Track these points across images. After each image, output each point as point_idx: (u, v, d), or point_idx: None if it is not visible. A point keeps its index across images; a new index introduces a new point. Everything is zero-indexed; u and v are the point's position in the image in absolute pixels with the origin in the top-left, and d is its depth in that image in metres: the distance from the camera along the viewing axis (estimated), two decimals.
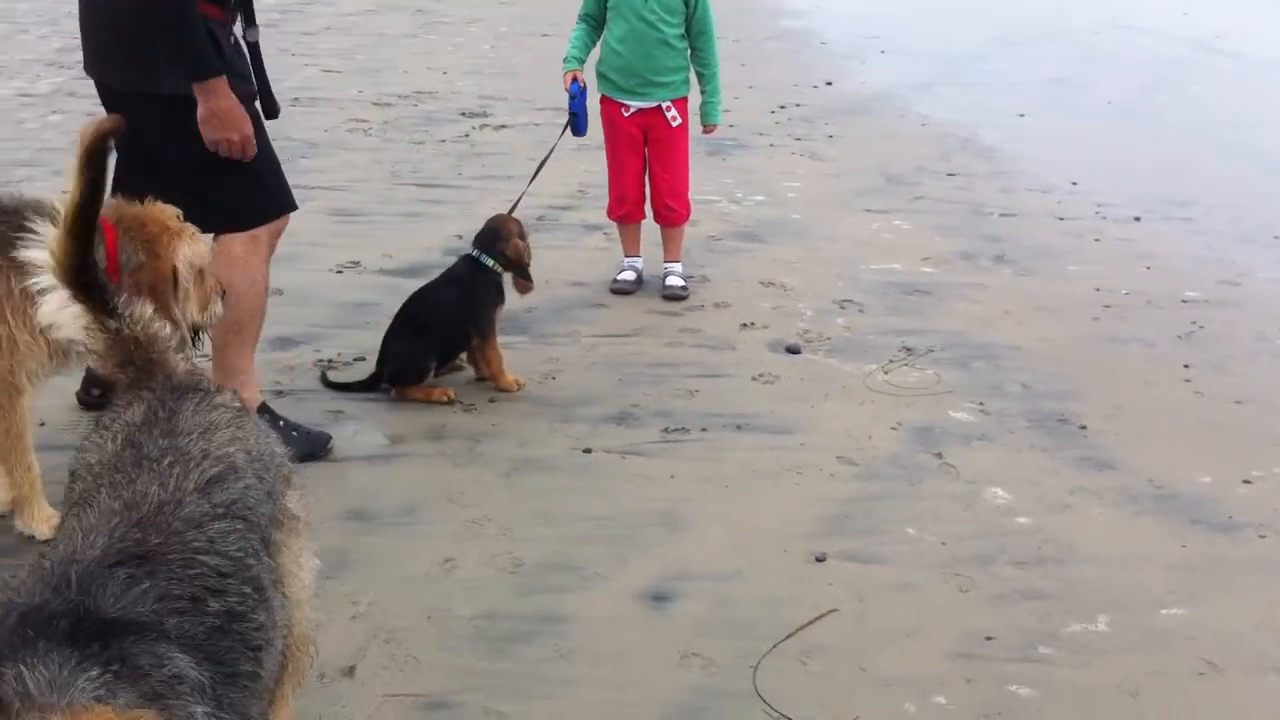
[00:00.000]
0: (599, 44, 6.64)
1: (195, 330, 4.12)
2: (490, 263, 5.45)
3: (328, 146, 9.31)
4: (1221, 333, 6.36)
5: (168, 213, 4.04)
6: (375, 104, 10.81)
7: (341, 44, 13.69)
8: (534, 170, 6.27)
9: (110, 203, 4.36)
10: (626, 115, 6.56)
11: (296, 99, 10.72)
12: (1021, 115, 11.72)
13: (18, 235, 3.87)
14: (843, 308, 6.52)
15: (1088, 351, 6.08)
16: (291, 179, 8.54)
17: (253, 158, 4.46)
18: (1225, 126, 11.56)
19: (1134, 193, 8.97)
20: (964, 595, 4.00)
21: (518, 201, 5.86)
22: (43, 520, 4.08)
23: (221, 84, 4.32)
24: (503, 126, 10.26)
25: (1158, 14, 18.66)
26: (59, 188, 4.42)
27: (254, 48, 4.64)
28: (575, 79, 6.47)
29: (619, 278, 6.71)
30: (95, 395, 4.92)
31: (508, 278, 5.51)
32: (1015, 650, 3.73)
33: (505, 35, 14.92)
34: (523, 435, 4.98)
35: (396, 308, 5.51)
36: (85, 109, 8.88)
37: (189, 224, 4.07)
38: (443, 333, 5.38)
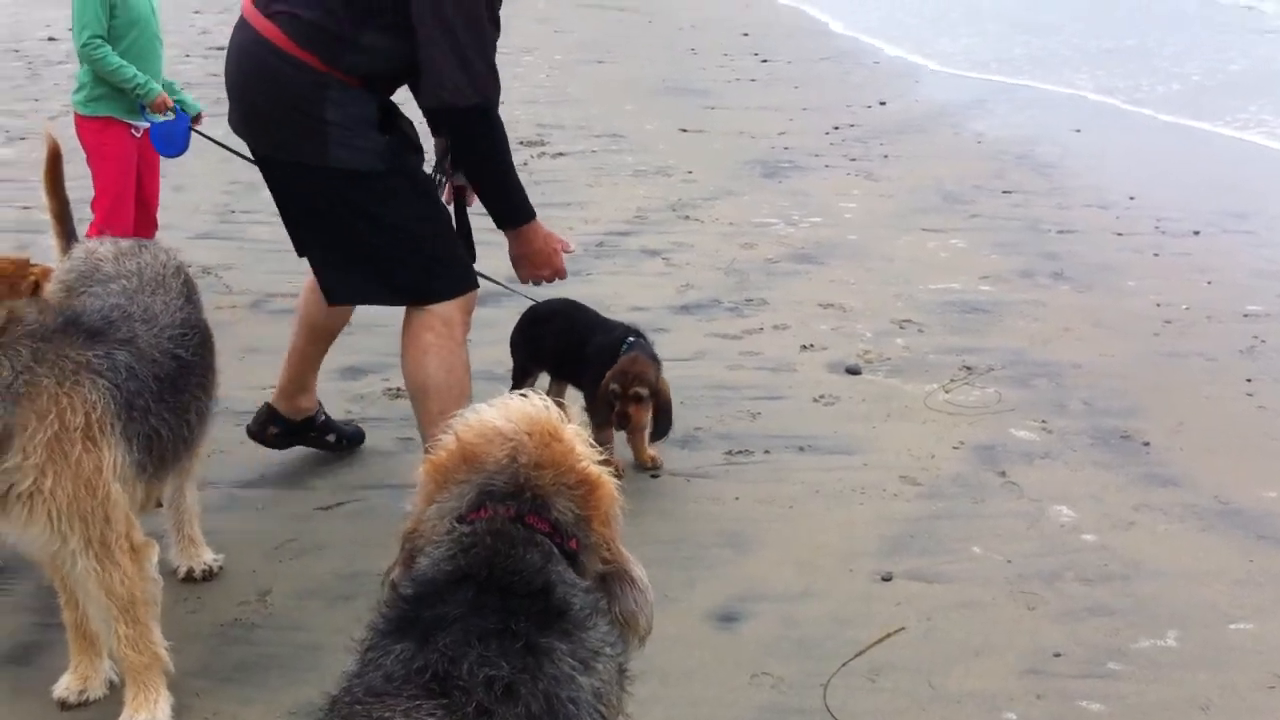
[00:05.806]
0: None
1: None
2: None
3: None
4: None
5: None
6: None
7: None
8: None
9: None
10: (138, 136, 6.35)
11: None
12: (1077, 130, 11.70)
13: None
14: (902, 328, 6.56)
15: (1149, 367, 6.08)
16: None
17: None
18: None
19: (1193, 207, 8.94)
20: (1031, 612, 4.03)
21: None
22: None
23: (537, 227, 4.23)
24: (560, 154, 10.40)
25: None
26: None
27: None
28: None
29: None
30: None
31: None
32: (1084, 666, 3.75)
33: (561, 64, 15.10)
34: None
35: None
36: None
37: None
38: (558, 358, 5.24)
